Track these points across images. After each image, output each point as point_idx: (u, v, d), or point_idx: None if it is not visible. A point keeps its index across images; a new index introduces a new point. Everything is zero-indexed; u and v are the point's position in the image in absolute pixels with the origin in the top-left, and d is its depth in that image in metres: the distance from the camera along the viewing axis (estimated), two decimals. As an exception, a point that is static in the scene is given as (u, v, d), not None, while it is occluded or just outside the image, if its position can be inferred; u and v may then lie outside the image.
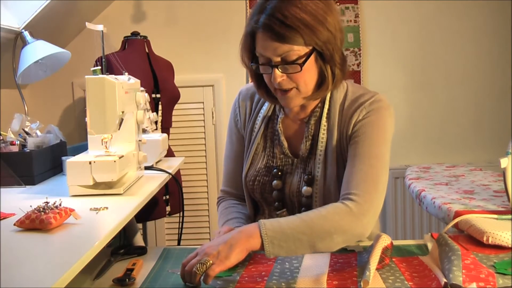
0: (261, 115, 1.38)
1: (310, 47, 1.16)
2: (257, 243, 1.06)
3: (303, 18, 1.13)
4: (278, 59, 1.16)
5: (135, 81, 1.61)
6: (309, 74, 1.19)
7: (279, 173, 1.32)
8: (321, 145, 1.28)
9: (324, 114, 1.29)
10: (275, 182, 1.32)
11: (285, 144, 1.33)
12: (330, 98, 1.29)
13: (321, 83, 1.22)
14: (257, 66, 1.22)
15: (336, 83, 1.24)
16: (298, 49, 1.15)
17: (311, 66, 1.18)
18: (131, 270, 1.13)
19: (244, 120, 1.41)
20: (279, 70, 1.17)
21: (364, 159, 1.20)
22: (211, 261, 1.02)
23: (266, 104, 1.38)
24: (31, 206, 1.14)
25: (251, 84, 1.38)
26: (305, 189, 1.28)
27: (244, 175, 1.37)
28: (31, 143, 1.71)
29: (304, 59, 1.16)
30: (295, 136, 1.34)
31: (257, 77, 1.29)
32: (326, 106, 1.29)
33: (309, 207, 1.27)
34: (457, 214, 1.40)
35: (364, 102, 1.25)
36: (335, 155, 1.26)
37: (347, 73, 1.26)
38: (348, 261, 1.16)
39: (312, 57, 1.17)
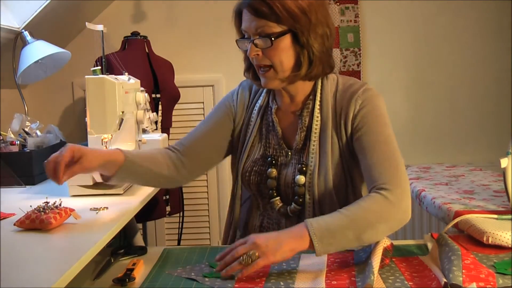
0: (257, 107, 1.40)
1: (286, 27, 1.21)
2: (306, 244, 1.09)
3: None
4: (256, 33, 1.23)
5: (135, 81, 1.62)
6: (285, 54, 1.24)
7: (273, 161, 1.35)
8: (314, 136, 1.31)
9: (317, 106, 1.32)
10: (269, 170, 1.34)
11: (280, 133, 1.35)
12: (321, 89, 1.33)
13: (299, 68, 1.26)
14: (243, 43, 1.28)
15: (312, 70, 1.26)
16: (273, 26, 1.21)
17: (287, 47, 1.23)
18: (131, 270, 1.13)
19: (242, 109, 1.42)
20: (254, 44, 1.23)
21: (375, 149, 1.23)
22: (257, 255, 1.05)
23: (262, 96, 1.40)
24: (31, 206, 1.14)
25: None
26: (297, 177, 1.30)
27: (241, 167, 1.38)
28: (31, 143, 1.71)
29: (276, 35, 1.21)
30: (289, 129, 1.36)
31: (247, 59, 1.33)
32: (318, 98, 1.32)
33: (301, 196, 1.30)
34: (457, 214, 1.40)
35: (356, 90, 1.30)
36: (330, 145, 1.29)
37: (332, 66, 1.31)
38: (345, 260, 1.16)
39: (288, 38, 1.23)
